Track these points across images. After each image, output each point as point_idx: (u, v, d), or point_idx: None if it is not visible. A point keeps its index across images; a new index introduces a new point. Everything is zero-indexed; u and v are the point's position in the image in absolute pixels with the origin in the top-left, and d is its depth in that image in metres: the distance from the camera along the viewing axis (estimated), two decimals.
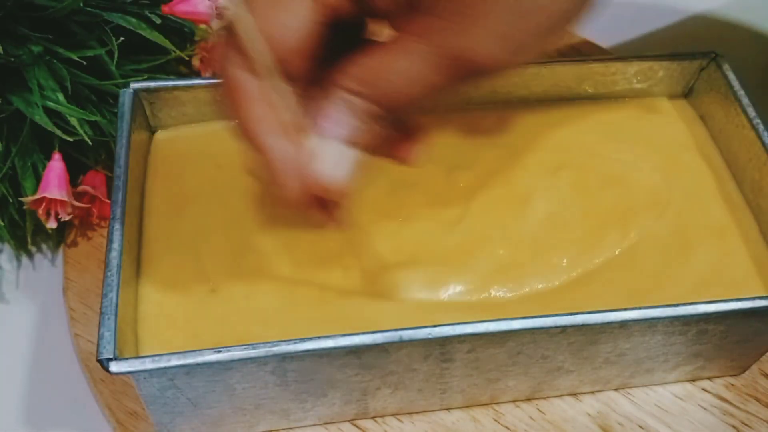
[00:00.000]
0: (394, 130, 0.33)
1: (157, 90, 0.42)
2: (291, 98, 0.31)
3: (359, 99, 0.30)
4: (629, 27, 0.62)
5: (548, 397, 0.42)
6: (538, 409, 0.42)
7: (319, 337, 0.33)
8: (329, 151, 0.31)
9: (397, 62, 0.30)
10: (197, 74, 0.51)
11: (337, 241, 0.40)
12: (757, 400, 0.42)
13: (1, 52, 0.40)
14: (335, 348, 0.33)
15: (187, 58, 0.50)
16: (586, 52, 0.58)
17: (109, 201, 0.42)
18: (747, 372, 0.43)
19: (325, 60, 0.31)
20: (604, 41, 0.59)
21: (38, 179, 0.44)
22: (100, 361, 0.32)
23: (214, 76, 0.51)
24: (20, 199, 0.43)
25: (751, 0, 0.65)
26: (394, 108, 0.31)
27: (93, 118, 0.44)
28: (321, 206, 0.33)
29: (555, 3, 0.29)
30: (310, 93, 0.31)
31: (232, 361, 0.33)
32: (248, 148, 0.31)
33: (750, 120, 0.42)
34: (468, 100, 0.46)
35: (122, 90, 0.41)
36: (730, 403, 0.42)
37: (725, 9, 0.64)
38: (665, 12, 0.64)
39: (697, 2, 0.64)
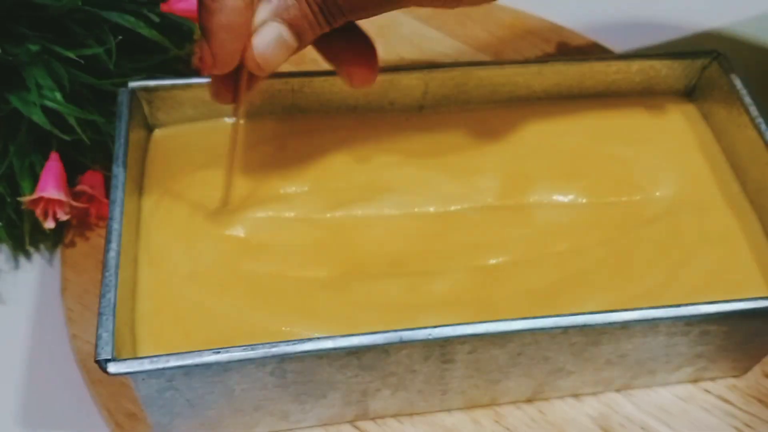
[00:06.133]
0: (347, 44, 0.37)
1: (155, 89, 0.42)
2: None
3: None
4: (631, 26, 0.62)
5: (549, 398, 0.42)
6: (539, 411, 0.41)
7: (318, 338, 0.33)
8: (271, 29, 0.33)
9: None
10: (196, 73, 0.51)
11: (339, 241, 0.40)
12: (760, 401, 0.42)
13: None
14: (335, 349, 0.33)
15: (185, 57, 0.50)
16: (588, 51, 0.58)
17: (107, 201, 0.42)
18: (749, 373, 0.43)
19: None
20: (606, 40, 0.59)
21: (36, 179, 0.43)
22: (98, 362, 0.32)
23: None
24: (18, 198, 0.43)
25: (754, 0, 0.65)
26: (346, 5, 0.32)
27: (91, 118, 0.44)
28: (232, 81, 0.35)
29: None
30: None
31: (231, 362, 0.32)
32: None
33: (752, 119, 0.42)
34: (468, 99, 0.46)
35: (120, 89, 0.41)
36: (733, 405, 0.42)
37: (727, 8, 0.64)
38: (667, 10, 0.64)
39: (700, 1, 0.64)
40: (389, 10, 0.34)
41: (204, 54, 0.33)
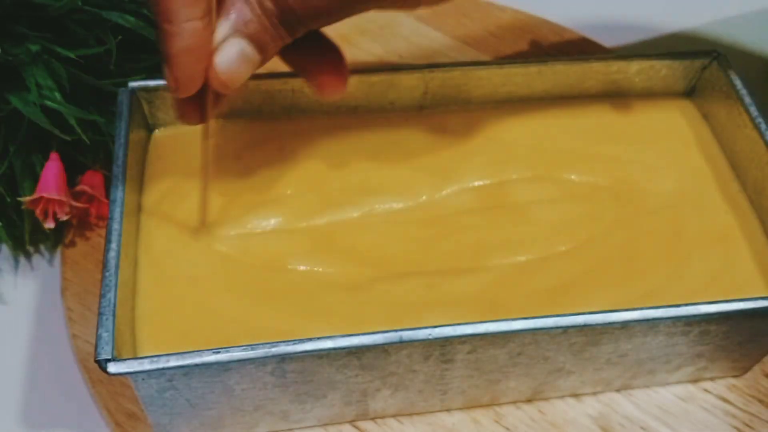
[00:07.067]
0: (314, 54, 0.36)
1: (155, 89, 0.42)
2: None
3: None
4: (631, 26, 0.62)
5: (549, 398, 0.42)
6: (539, 411, 0.41)
7: (318, 338, 0.33)
8: (233, 45, 0.32)
9: None
10: None
11: (342, 241, 0.40)
12: (760, 401, 0.42)
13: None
14: (335, 348, 0.33)
15: None
16: (587, 51, 0.57)
17: (107, 201, 0.42)
18: (749, 373, 0.43)
19: None
20: (606, 40, 0.59)
21: (36, 179, 0.43)
22: (98, 361, 0.32)
23: None
24: (18, 198, 0.43)
25: None
26: (304, 13, 0.32)
27: (91, 118, 0.44)
28: (197, 101, 0.34)
29: None
30: None
31: (231, 361, 0.32)
32: (157, 16, 0.31)
33: (752, 119, 0.42)
34: (468, 99, 0.46)
35: (120, 89, 0.41)
36: (733, 404, 0.42)
37: (727, 8, 0.64)
38: (667, 10, 0.64)
39: (700, 1, 0.64)
40: (349, 16, 0.33)
41: (167, 78, 0.32)
